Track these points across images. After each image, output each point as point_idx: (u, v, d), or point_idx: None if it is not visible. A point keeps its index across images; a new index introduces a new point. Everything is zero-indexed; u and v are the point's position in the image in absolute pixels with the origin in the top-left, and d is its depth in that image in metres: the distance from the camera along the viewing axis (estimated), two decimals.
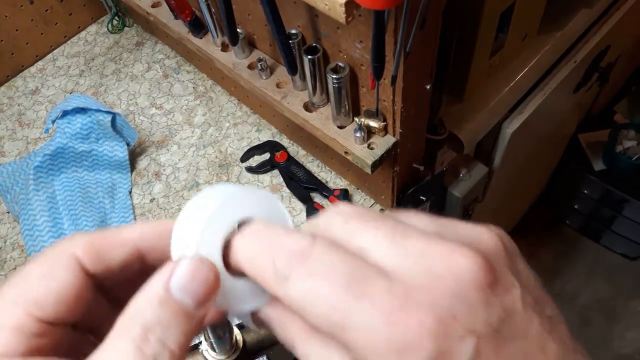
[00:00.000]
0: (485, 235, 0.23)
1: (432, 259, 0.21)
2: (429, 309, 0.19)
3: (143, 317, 0.21)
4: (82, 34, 1.18)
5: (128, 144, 0.94)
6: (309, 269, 0.21)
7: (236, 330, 0.51)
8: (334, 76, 0.65)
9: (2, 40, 1.07)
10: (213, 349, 0.49)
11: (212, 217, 0.24)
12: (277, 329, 0.24)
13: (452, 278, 0.20)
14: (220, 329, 0.46)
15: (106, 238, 0.24)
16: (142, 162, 0.98)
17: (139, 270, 0.26)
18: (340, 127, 0.72)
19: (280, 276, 0.22)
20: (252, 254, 0.23)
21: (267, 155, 0.95)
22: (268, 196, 0.27)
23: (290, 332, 0.23)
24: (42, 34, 1.12)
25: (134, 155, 0.98)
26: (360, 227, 0.23)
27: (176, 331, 0.22)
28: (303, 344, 0.23)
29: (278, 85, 0.77)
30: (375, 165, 0.70)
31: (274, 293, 0.22)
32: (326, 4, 0.49)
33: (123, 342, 0.21)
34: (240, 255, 0.24)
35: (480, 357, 0.19)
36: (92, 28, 1.18)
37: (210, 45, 0.84)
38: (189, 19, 0.82)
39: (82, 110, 0.90)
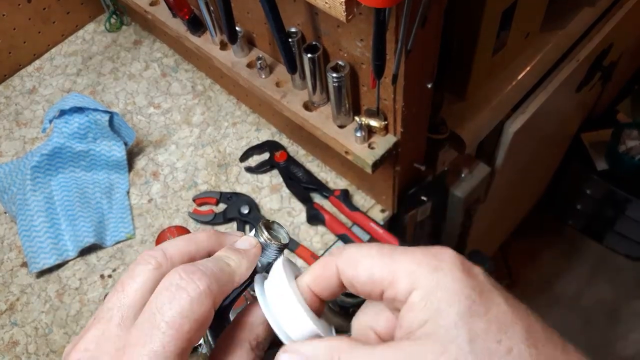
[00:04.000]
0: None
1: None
2: (450, 253, 0.29)
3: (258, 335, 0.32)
4: (80, 32, 1.17)
5: (126, 144, 0.94)
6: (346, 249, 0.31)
7: None
8: (334, 75, 0.64)
9: None
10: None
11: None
12: None
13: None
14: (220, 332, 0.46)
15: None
16: (140, 162, 0.97)
17: None
18: (341, 127, 0.72)
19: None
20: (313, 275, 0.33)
21: (266, 155, 0.94)
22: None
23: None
24: (39, 32, 1.11)
25: (132, 155, 0.97)
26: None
27: None
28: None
29: (277, 84, 0.76)
30: (375, 165, 0.69)
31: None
32: (326, 2, 0.49)
33: None
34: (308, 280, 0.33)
35: (490, 279, 0.28)
36: (90, 27, 1.18)
37: (208, 43, 0.83)
38: (187, 17, 0.81)
39: (79, 110, 0.89)
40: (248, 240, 0.35)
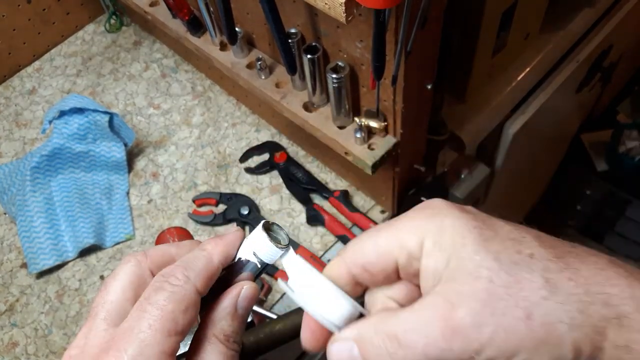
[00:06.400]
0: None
1: None
2: (439, 201, 0.31)
3: (223, 328, 0.33)
4: (80, 33, 1.17)
5: (125, 145, 0.94)
6: None
7: None
8: (334, 76, 0.64)
9: None
10: None
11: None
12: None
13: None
14: None
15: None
16: (140, 163, 0.97)
17: None
18: (341, 128, 0.72)
19: None
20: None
21: (266, 156, 0.94)
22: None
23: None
24: (39, 33, 1.11)
25: (132, 156, 0.97)
26: None
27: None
28: None
29: (277, 85, 0.76)
30: (375, 166, 0.69)
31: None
32: (326, 3, 0.48)
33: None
34: None
35: (481, 212, 0.31)
36: (90, 27, 1.18)
37: (208, 44, 0.83)
38: (187, 17, 0.81)
39: (79, 111, 0.89)
40: (231, 230, 0.37)
